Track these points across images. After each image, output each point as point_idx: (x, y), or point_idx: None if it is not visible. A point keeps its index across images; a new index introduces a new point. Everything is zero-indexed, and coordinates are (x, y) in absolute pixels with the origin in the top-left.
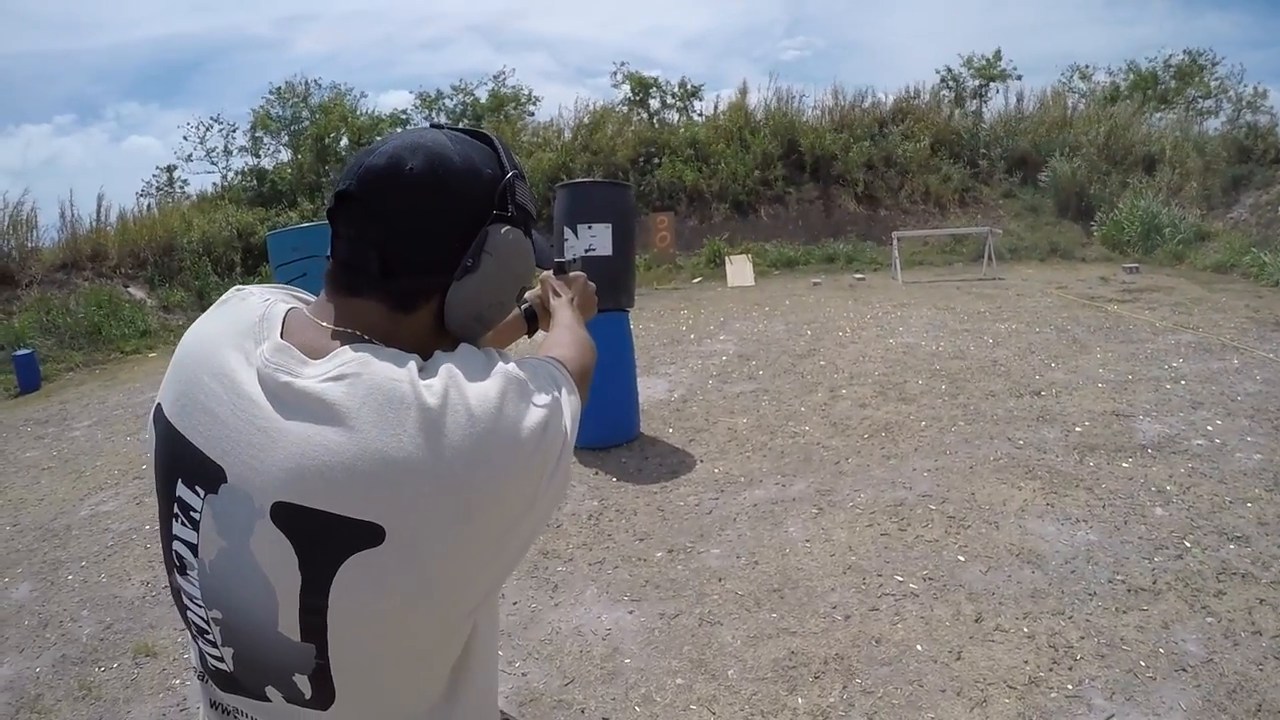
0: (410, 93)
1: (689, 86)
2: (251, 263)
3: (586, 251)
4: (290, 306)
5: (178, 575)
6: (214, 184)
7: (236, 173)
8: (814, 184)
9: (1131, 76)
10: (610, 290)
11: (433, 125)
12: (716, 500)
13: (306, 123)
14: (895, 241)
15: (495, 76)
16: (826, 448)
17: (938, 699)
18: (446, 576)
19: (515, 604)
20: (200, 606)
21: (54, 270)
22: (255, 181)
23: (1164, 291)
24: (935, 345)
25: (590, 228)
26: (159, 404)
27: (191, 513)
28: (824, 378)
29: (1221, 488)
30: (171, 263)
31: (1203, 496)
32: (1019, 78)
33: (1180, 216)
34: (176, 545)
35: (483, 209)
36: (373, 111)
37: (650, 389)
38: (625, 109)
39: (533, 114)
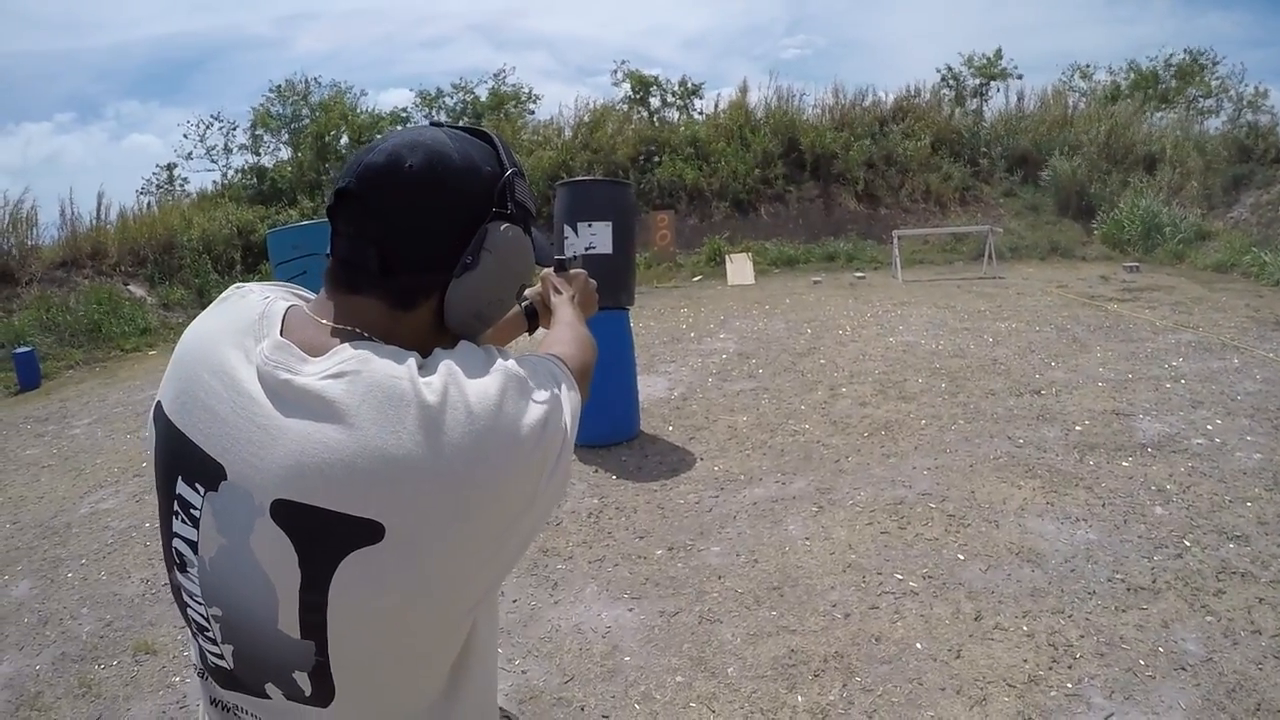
0: (410, 91)
1: (689, 85)
2: (251, 260)
3: (587, 249)
4: (290, 304)
5: (178, 572)
6: (214, 182)
7: (236, 171)
8: (814, 182)
9: (1132, 76)
10: (610, 288)
11: (432, 123)
12: (716, 498)
13: (306, 121)
14: (895, 240)
15: (495, 75)
16: (826, 446)
17: (937, 697)
18: (446, 574)
19: (515, 601)
20: (200, 604)
21: (54, 268)
22: (255, 179)
23: (1164, 291)
24: (935, 344)
25: (590, 226)
26: (159, 402)
27: (191, 510)
28: (824, 376)
29: (1221, 487)
30: (171, 261)
31: (1202, 496)
32: (1020, 77)
33: (1181, 216)
34: (176, 543)
35: (482, 206)
36: (373, 110)
37: (650, 387)
38: (625, 107)
39: (533, 112)
